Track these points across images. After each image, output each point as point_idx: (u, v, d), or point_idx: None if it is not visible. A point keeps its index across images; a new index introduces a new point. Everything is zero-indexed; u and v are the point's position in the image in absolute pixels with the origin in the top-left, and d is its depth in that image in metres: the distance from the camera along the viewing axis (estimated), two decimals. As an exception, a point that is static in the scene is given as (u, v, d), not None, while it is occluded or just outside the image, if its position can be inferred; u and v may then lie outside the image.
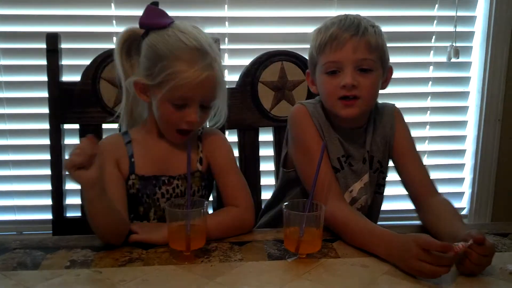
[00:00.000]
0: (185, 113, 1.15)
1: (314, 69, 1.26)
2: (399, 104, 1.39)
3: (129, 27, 1.21)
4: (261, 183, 1.61)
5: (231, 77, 1.79)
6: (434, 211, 1.17)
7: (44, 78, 1.51)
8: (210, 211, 1.38)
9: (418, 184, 1.25)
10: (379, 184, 1.33)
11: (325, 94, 1.23)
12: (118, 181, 1.20)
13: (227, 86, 1.62)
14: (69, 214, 1.56)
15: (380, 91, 1.26)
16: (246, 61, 1.64)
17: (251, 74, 1.61)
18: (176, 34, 1.14)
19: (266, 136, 1.68)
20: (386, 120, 1.30)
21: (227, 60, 1.86)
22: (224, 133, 1.56)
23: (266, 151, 1.68)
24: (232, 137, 1.65)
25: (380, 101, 1.33)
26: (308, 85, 1.34)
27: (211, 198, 1.42)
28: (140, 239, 1.11)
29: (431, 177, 1.26)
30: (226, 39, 1.86)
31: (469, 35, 2.01)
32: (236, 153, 1.60)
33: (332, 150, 1.26)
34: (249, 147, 1.62)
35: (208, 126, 1.36)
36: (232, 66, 1.84)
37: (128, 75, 1.22)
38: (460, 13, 1.94)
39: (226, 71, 1.82)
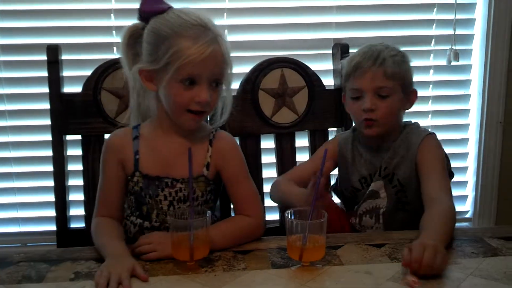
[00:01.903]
0: (194, 92, 1.12)
1: (346, 93, 1.43)
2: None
3: (132, 23, 1.20)
4: (263, 190, 1.61)
5: (232, 85, 1.80)
6: (427, 211, 1.19)
7: (45, 89, 1.52)
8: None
9: (429, 202, 1.24)
10: (402, 202, 1.38)
11: (352, 115, 1.44)
12: (118, 181, 1.23)
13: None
14: (73, 225, 1.57)
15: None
16: (246, 68, 1.64)
17: (251, 82, 1.61)
18: (177, 14, 1.13)
19: (267, 143, 1.68)
20: (412, 143, 1.36)
21: (227, 68, 1.86)
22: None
23: (268, 158, 1.68)
24: (233, 145, 1.65)
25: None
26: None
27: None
28: (157, 256, 1.09)
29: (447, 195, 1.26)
30: (226, 47, 1.86)
31: (468, 38, 2.00)
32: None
33: (355, 173, 1.43)
34: (251, 154, 1.62)
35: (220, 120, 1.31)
36: (232, 74, 1.84)
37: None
38: (459, 16, 1.94)
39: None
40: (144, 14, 1.17)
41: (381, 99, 1.33)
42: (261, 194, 1.58)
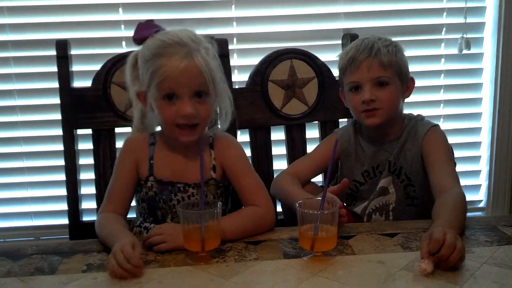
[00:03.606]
0: (177, 107, 1.16)
1: (343, 88, 1.41)
2: (412, 97, 1.40)
3: (135, 51, 1.26)
4: (274, 182, 1.60)
5: (241, 77, 1.80)
6: (438, 199, 1.18)
7: (55, 84, 1.52)
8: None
9: (438, 192, 1.23)
10: (411, 197, 1.38)
11: (352, 109, 1.39)
12: (131, 181, 1.26)
13: (237, 86, 1.64)
14: (85, 218, 1.58)
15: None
16: (255, 60, 1.64)
17: (260, 73, 1.61)
18: (157, 37, 1.18)
19: (278, 134, 1.67)
20: (418, 137, 1.36)
21: (236, 60, 1.86)
22: (235, 133, 1.56)
23: (279, 150, 1.67)
24: (244, 136, 1.65)
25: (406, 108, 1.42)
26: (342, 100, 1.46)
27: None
28: (167, 248, 1.09)
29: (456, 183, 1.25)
30: (235, 39, 1.86)
31: (479, 26, 1.98)
32: (248, 152, 1.60)
33: (357, 166, 1.41)
34: (261, 146, 1.62)
35: (219, 128, 1.36)
36: (242, 66, 1.84)
37: None
38: (469, 4, 1.92)
39: (235, 71, 1.82)
40: (136, 42, 1.24)
41: (380, 89, 1.32)
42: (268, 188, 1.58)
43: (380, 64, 1.31)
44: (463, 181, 1.98)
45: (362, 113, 1.34)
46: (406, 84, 1.37)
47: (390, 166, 1.37)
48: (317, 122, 1.66)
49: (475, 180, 2.09)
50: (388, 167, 1.37)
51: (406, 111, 1.44)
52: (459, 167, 2.03)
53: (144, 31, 1.23)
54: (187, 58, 1.14)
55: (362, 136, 1.43)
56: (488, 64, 2.00)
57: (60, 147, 1.55)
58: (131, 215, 1.31)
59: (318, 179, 1.53)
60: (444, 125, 2.01)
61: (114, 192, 1.26)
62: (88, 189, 1.60)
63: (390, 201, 1.38)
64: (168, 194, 1.25)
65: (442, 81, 1.99)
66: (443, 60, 1.98)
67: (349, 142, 1.43)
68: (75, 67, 1.57)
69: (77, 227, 1.54)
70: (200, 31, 1.22)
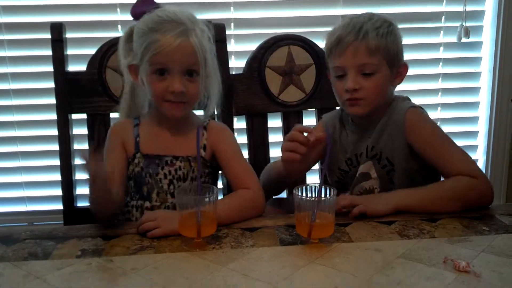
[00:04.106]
0: (167, 83, 1.18)
1: (329, 70, 1.33)
2: (409, 86, 1.37)
3: (130, 25, 1.26)
4: (271, 169, 1.59)
5: (238, 63, 1.78)
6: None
7: (50, 68, 1.50)
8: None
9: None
10: (395, 183, 1.29)
11: (336, 95, 1.31)
12: (121, 163, 1.26)
13: (234, 72, 1.62)
14: (80, 204, 1.56)
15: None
16: (253, 46, 1.62)
17: (258, 59, 1.59)
18: (155, 12, 1.19)
19: (274, 122, 1.66)
20: (395, 119, 1.27)
21: (233, 46, 1.84)
22: (232, 119, 1.55)
23: (275, 137, 1.66)
24: (240, 123, 1.64)
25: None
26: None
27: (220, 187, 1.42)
28: (161, 233, 1.08)
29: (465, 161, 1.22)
30: (232, 24, 1.84)
31: (479, 14, 1.97)
32: (244, 139, 1.59)
33: (341, 153, 1.36)
34: (258, 133, 1.61)
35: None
36: (239, 52, 1.82)
37: None
38: (470, -8, 1.91)
39: (232, 57, 1.80)
40: (134, 16, 1.25)
41: (365, 77, 1.23)
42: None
43: (367, 49, 1.21)
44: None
45: (346, 101, 1.26)
46: (396, 69, 1.28)
47: (368, 151, 1.30)
48: (314, 109, 1.65)
49: (472, 170, 2.09)
50: (366, 152, 1.31)
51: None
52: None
53: (142, 7, 1.23)
54: (182, 36, 1.16)
55: (348, 123, 1.37)
56: (487, 53, 1.99)
57: (54, 131, 1.53)
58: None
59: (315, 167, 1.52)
60: (441, 114, 2.01)
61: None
62: (83, 175, 1.58)
63: (374, 185, 1.31)
64: (155, 168, 1.25)
65: (440, 69, 1.98)
66: (441, 48, 1.97)
67: (335, 129, 1.38)
68: (69, 51, 1.54)
69: (71, 212, 1.53)
70: (198, 16, 1.22)
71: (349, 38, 1.22)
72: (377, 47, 1.22)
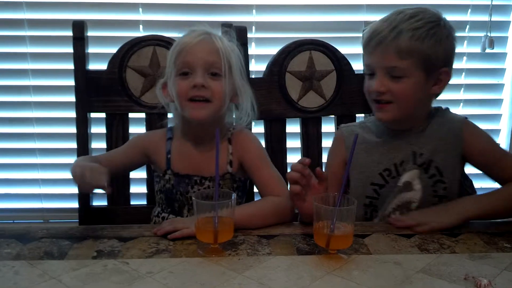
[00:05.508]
0: (191, 80, 1.19)
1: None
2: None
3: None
4: (288, 175, 1.57)
5: (258, 67, 1.77)
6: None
7: (70, 66, 1.50)
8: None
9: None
10: (439, 196, 1.23)
11: (365, 94, 1.25)
12: (123, 160, 1.32)
13: (253, 76, 1.61)
14: (95, 203, 1.56)
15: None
16: (274, 50, 1.60)
17: (278, 64, 1.57)
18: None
19: (293, 127, 1.64)
20: (450, 128, 1.25)
21: (254, 49, 1.83)
22: (250, 123, 1.54)
23: (293, 143, 1.64)
24: (258, 128, 1.62)
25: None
26: None
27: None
28: (182, 234, 1.07)
29: None
30: (254, 28, 1.82)
31: (504, 25, 1.93)
32: (262, 144, 1.57)
33: (373, 167, 1.26)
34: (276, 138, 1.59)
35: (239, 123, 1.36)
36: (259, 56, 1.81)
37: None
38: (495, 2, 1.87)
39: (253, 60, 1.79)
40: None
41: (393, 80, 1.15)
42: (285, 179, 1.55)
43: (397, 51, 1.12)
44: (482, 184, 1.95)
45: (373, 102, 1.20)
46: (436, 76, 1.18)
47: (416, 158, 1.21)
48: (333, 116, 1.63)
49: (493, 183, 2.04)
50: (413, 159, 1.21)
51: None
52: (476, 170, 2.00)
53: None
54: (204, 35, 1.21)
55: (378, 129, 1.27)
56: (511, 64, 1.95)
57: (73, 129, 1.53)
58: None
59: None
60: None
61: (110, 156, 1.34)
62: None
63: (413, 198, 1.22)
64: (185, 187, 1.27)
65: (463, 80, 1.95)
66: (465, 58, 1.93)
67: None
68: (91, 49, 1.54)
69: (87, 211, 1.52)
70: (219, 18, 1.24)
71: (381, 35, 1.15)
72: (409, 50, 1.13)
